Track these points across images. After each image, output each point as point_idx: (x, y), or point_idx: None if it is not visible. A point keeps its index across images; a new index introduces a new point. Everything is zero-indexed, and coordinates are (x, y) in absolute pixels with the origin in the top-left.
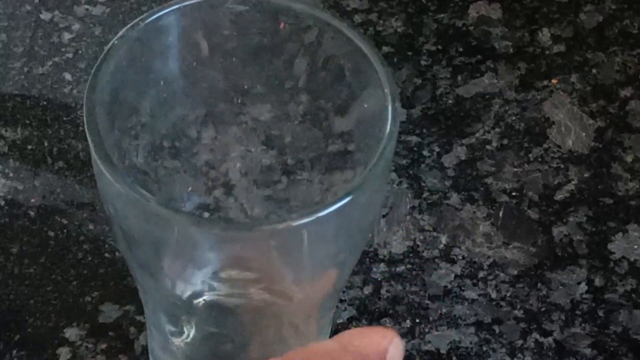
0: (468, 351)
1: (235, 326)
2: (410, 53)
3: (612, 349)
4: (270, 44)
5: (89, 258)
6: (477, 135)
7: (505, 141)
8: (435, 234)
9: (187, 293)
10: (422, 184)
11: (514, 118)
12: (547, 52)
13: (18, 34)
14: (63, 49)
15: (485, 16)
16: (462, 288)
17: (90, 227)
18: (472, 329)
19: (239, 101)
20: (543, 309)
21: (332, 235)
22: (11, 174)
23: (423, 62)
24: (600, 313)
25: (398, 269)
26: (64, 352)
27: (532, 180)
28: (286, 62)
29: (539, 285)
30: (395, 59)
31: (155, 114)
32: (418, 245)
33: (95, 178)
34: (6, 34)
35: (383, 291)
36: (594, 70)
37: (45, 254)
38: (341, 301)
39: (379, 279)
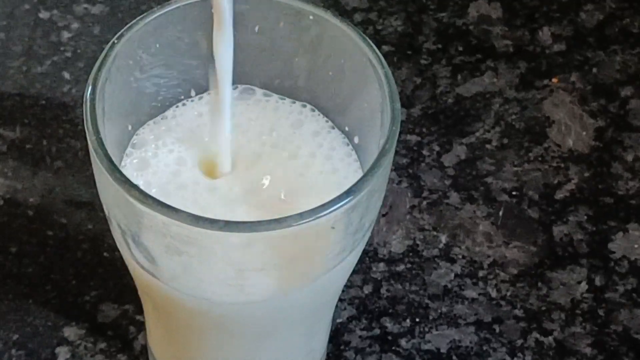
0: (468, 350)
1: (235, 326)
2: (410, 52)
3: (612, 348)
4: (270, 43)
5: (88, 257)
6: (477, 134)
7: (505, 140)
8: (435, 233)
9: (187, 293)
10: (422, 183)
11: (514, 117)
12: (547, 51)
13: (17, 33)
14: (62, 48)
15: (486, 15)
16: (462, 287)
17: (89, 226)
18: (472, 329)
19: None
20: (543, 308)
21: (332, 235)
22: (10, 174)
23: (423, 61)
24: (601, 312)
25: (398, 268)
26: (62, 352)
27: (532, 180)
28: (286, 60)
29: (539, 284)
30: (395, 58)
31: (155, 113)
32: (418, 245)
33: (94, 177)
34: (5, 33)
35: (383, 290)
36: (594, 69)
37: (44, 253)
38: (341, 300)
39: (379, 278)
